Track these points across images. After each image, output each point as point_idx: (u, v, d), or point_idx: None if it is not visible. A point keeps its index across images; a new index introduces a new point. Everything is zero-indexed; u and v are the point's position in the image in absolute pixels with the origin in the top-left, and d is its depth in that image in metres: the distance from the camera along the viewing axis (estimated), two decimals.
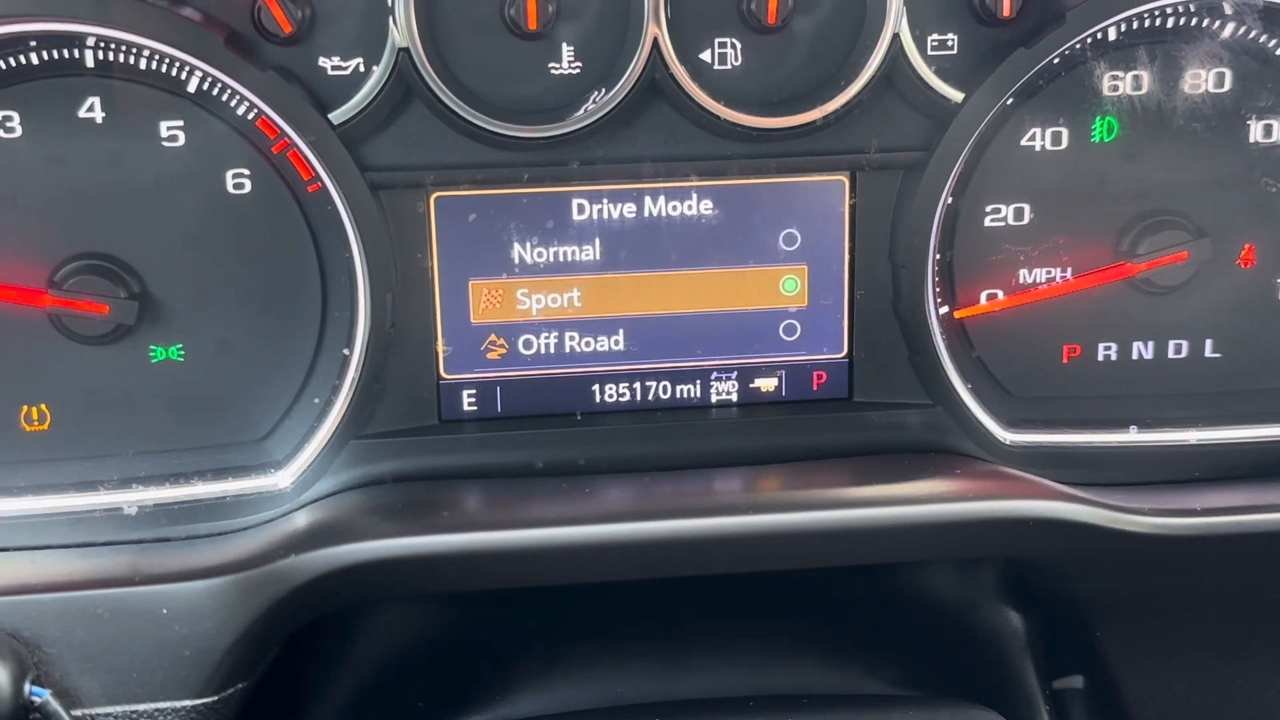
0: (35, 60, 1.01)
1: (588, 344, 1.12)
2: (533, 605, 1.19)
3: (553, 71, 1.04)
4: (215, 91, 1.02)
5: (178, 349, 1.07)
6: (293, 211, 1.05)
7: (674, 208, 1.10)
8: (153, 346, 1.06)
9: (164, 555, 1.01)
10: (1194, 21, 1.09)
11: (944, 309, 1.13)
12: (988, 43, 1.06)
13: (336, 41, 1.02)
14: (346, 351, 1.07)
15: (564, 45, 1.04)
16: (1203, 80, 1.10)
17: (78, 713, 0.95)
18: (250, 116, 1.03)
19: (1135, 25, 1.08)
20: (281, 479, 1.08)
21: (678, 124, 1.07)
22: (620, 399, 1.13)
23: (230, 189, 1.05)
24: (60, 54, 1.01)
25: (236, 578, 0.97)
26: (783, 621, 1.21)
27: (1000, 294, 1.13)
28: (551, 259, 1.10)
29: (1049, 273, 1.13)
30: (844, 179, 1.10)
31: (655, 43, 1.03)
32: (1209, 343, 1.16)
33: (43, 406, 1.07)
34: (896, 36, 1.04)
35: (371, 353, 1.07)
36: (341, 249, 1.06)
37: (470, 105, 1.03)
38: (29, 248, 1.03)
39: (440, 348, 1.10)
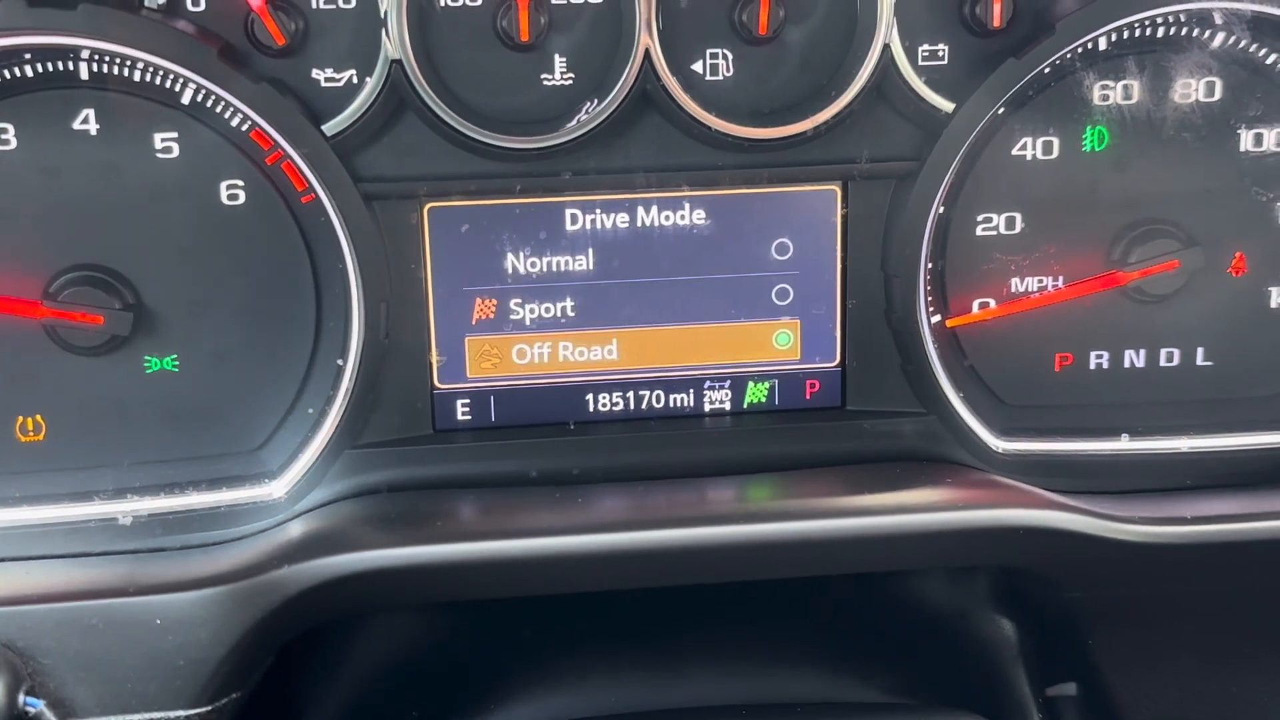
0: (30, 72, 1.01)
1: (581, 353, 1.12)
2: (527, 614, 1.19)
3: (545, 83, 1.05)
4: (209, 103, 1.03)
5: (172, 359, 1.07)
6: (287, 222, 1.06)
7: (666, 218, 1.10)
8: (147, 357, 1.07)
9: (158, 566, 1.01)
10: (1184, 31, 1.09)
11: (936, 318, 1.13)
12: (978, 53, 1.07)
13: (330, 53, 1.03)
14: (341, 362, 1.08)
15: (556, 56, 1.04)
16: (1193, 90, 1.10)
17: None
18: (244, 128, 1.04)
19: (1125, 35, 1.08)
20: (276, 489, 1.08)
21: (670, 135, 1.07)
22: (614, 408, 1.13)
23: (224, 200, 1.05)
24: (55, 66, 1.01)
25: (230, 588, 0.97)
26: (776, 630, 1.22)
27: (992, 303, 1.14)
28: (545, 269, 1.10)
29: (1041, 281, 1.14)
30: (836, 189, 1.11)
31: (647, 54, 1.03)
32: (1200, 351, 1.16)
33: (38, 417, 1.07)
34: (887, 47, 1.05)
35: (365, 363, 1.07)
36: (335, 260, 1.06)
37: (463, 116, 1.03)
38: (24, 259, 1.04)
39: (434, 358, 1.10)
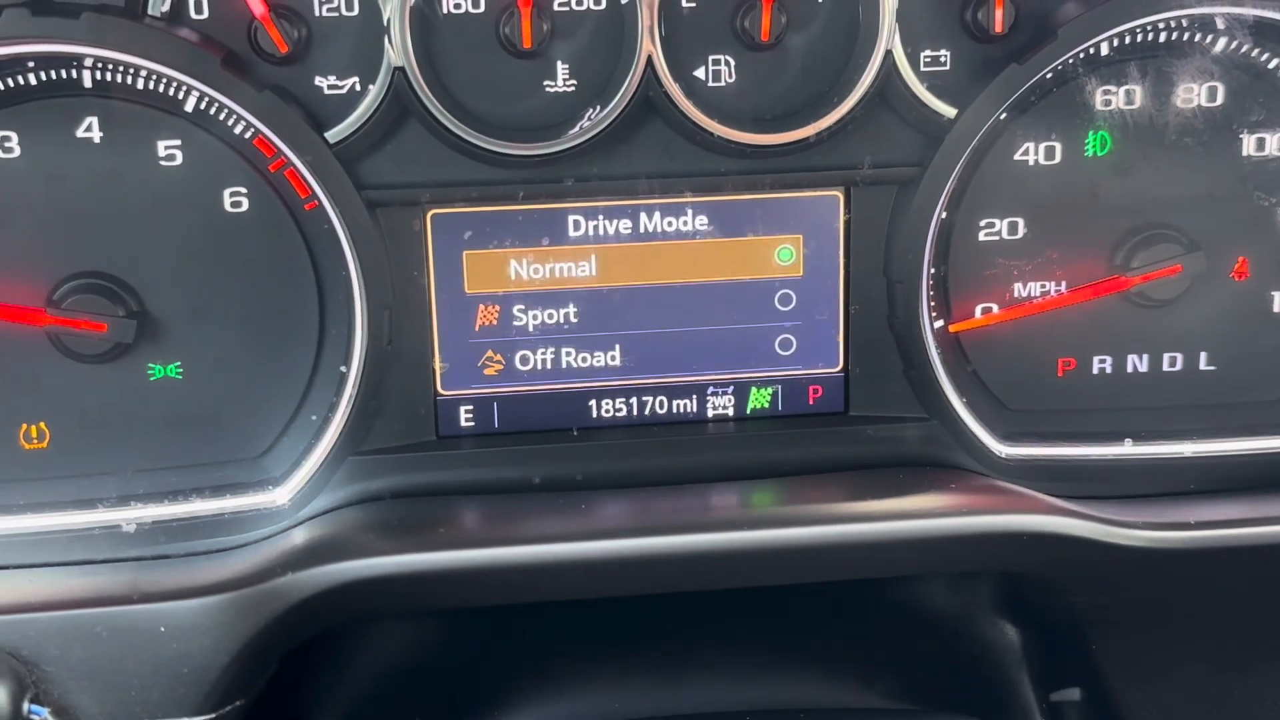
0: (34, 81, 1.01)
1: (584, 359, 1.12)
2: (531, 620, 1.19)
3: (548, 89, 1.05)
4: (212, 111, 1.03)
5: (176, 367, 1.07)
6: (290, 230, 1.06)
7: (669, 223, 1.10)
8: (151, 364, 1.07)
9: (162, 573, 1.01)
10: (1186, 36, 1.09)
11: (939, 323, 1.13)
12: (980, 58, 1.07)
13: (333, 61, 1.03)
14: (344, 368, 1.08)
15: (559, 63, 1.04)
16: (1195, 95, 1.11)
17: None
18: (247, 135, 1.04)
19: (1127, 40, 1.08)
20: (279, 496, 1.08)
21: (672, 141, 1.07)
22: (617, 414, 1.14)
23: (227, 207, 1.05)
24: (58, 74, 1.01)
25: (234, 595, 0.97)
26: (780, 635, 1.22)
27: (995, 308, 1.14)
28: (547, 275, 1.10)
29: (1043, 286, 1.14)
30: (838, 194, 1.11)
31: (649, 60, 1.04)
32: (1203, 355, 1.16)
33: (41, 424, 1.07)
34: (889, 53, 1.05)
35: (369, 370, 1.07)
36: (338, 266, 1.06)
37: (466, 123, 1.03)
38: (28, 267, 1.04)
39: (437, 364, 1.11)
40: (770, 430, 1.14)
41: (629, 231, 1.10)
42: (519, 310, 1.11)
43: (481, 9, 1.03)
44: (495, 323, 1.11)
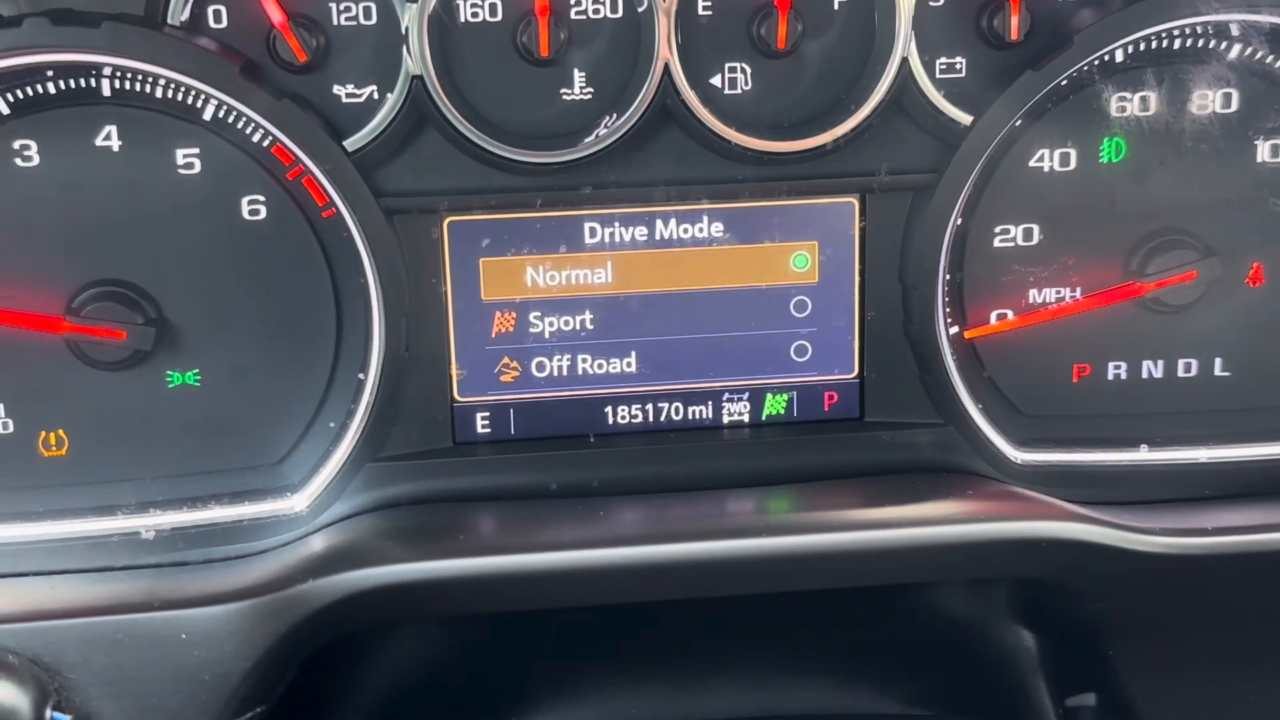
0: (53, 89, 1.02)
1: (600, 366, 1.13)
2: (548, 625, 1.19)
3: (564, 97, 1.05)
4: (231, 119, 1.03)
5: (194, 374, 1.08)
6: (308, 237, 1.06)
7: (685, 230, 1.11)
8: (169, 372, 1.07)
9: (182, 580, 1.02)
10: (1201, 43, 1.10)
11: (954, 329, 1.13)
12: (996, 66, 1.07)
13: (351, 69, 1.03)
14: (361, 376, 1.08)
15: (576, 71, 1.05)
16: (1210, 101, 1.11)
17: None
18: (265, 144, 1.04)
19: (1143, 47, 1.09)
20: (297, 502, 1.08)
21: (689, 148, 1.07)
22: (633, 420, 1.14)
23: (246, 215, 1.05)
24: (77, 83, 1.02)
25: (254, 603, 0.98)
26: (797, 641, 1.22)
27: (1010, 314, 1.14)
28: (564, 282, 1.11)
29: (1058, 292, 1.14)
30: (854, 201, 1.11)
31: (666, 68, 1.04)
32: (1218, 361, 1.16)
33: (60, 432, 1.07)
34: (905, 60, 1.05)
35: (386, 377, 1.07)
36: (356, 274, 1.07)
37: (483, 131, 1.04)
38: (47, 275, 1.04)
39: (454, 371, 1.11)
40: (786, 436, 1.14)
41: (645, 238, 1.10)
42: (535, 317, 1.11)
43: (499, 18, 1.03)
44: (512, 329, 1.11)
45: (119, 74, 1.01)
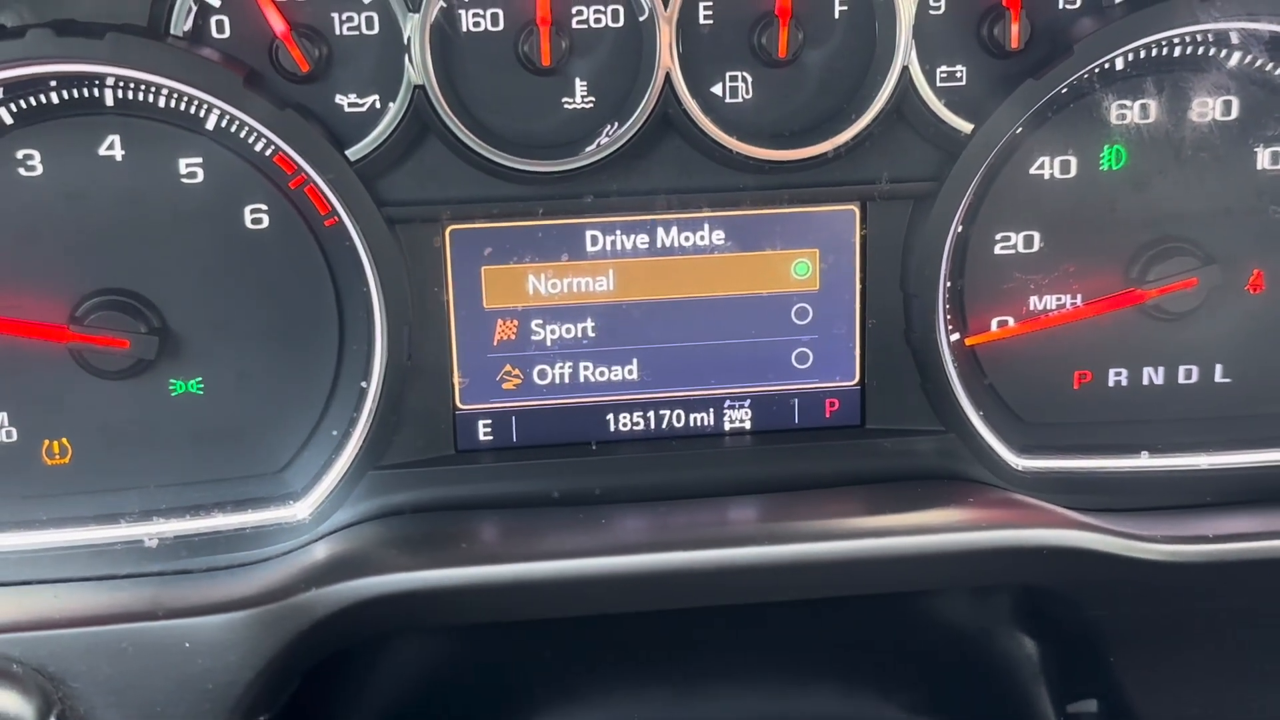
0: (56, 100, 1.02)
1: (602, 374, 1.13)
2: (551, 633, 1.20)
3: (566, 106, 1.06)
4: (233, 129, 1.04)
5: (197, 382, 1.08)
6: (310, 246, 1.07)
7: (686, 239, 1.11)
8: (173, 380, 1.08)
9: (185, 588, 1.02)
10: (1201, 51, 1.10)
11: (955, 336, 1.14)
12: (996, 74, 1.08)
13: (353, 79, 1.04)
14: (364, 384, 1.08)
15: (577, 80, 1.05)
16: (1210, 109, 1.11)
17: None
18: (268, 153, 1.04)
19: (1143, 55, 1.09)
20: (300, 510, 1.09)
21: (690, 157, 1.08)
22: (635, 428, 1.14)
23: (248, 224, 1.06)
24: (81, 93, 1.02)
25: (258, 611, 0.98)
26: (799, 647, 1.22)
27: (1011, 321, 1.14)
28: (566, 290, 1.11)
29: (1059, 299, 1.14)
30: (855, 209, 1.11)
31: (668, 77, 1.04)
32: (1219, 368, 1.17)
33: (64, 440, 1.08)
34: (906, 69, 1.06)
35: (388, 385, 1.08)
36: (358, 283, 1.07)
37: (485, 140, 1.04)
38: (51, 284, 1.05)
39: (456, 379, 1.11)
40: (787, 443, 1.14)
41: (646, 247, 1.11)
42: (537, 325, 1.11)
43: (501, 27, 1.03)
44: (514, 337, 1.11)
45: (122, 84, 1.02)
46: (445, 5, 1.02)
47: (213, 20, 1.02)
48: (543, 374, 1.12)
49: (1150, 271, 1.13)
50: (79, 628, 0.97)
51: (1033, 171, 1.11)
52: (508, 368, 1.12)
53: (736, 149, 1.06)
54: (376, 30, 1.03)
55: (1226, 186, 1.12)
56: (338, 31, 1.03)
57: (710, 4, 1.05)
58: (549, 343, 1.12)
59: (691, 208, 1.10)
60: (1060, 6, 1.08)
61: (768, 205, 1.10)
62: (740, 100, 1.07)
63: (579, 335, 1.12)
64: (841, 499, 1.11)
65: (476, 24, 1.03)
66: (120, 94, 1.02)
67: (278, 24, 1.01)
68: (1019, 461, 1.14)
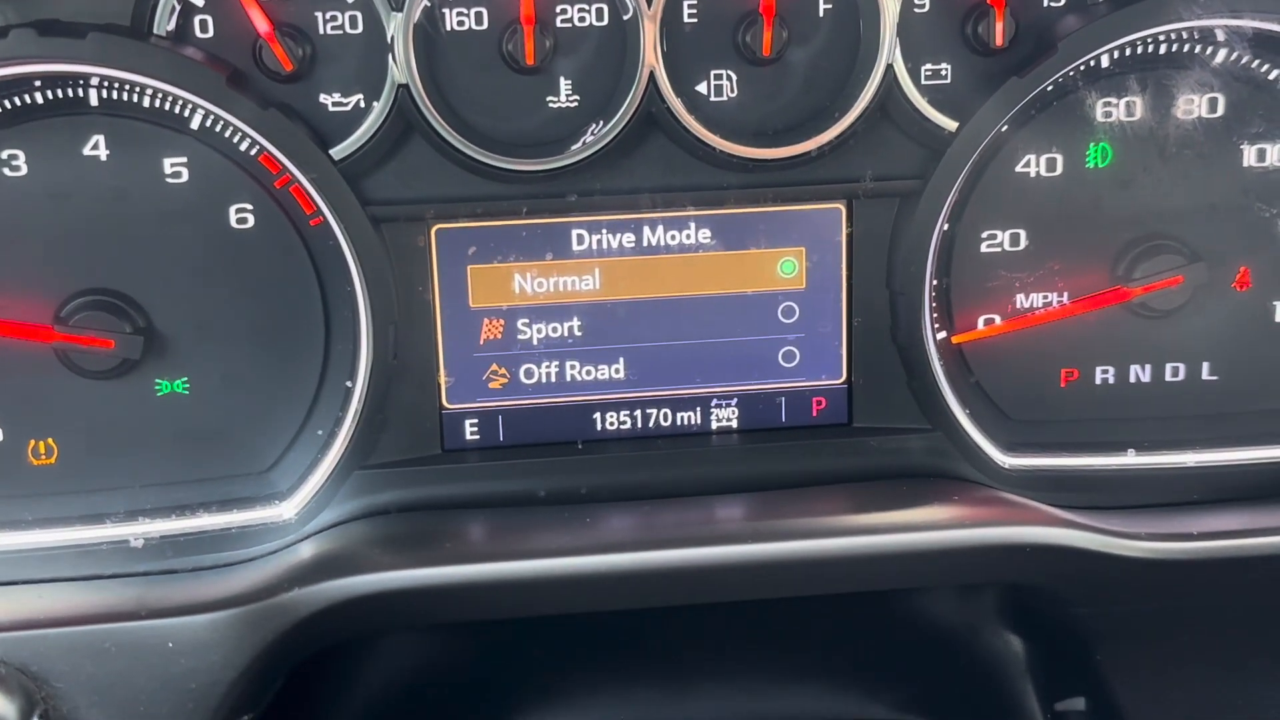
0: (40, 99, 1.02)
1: (588, 372, 1.13)
2: (538, 633, 1.20)
3: (550, 105, 1.06)
4: (218, 128, 1.04)
5: (183, 382, 1.08)
6: (295, 245, 1.07)
7: (672, 237, 1.11)
8: (158, 380, 1.08)
9: (169, 588, 1.02)
10: (1186, 48, 1.10)
11: (941, 334, 1.14)
12: (981, 72, 1.08)
13: (337, 78, 1.04)
14: (349, 383, 1.08)
15: (561, 79, 1.05)
16: (1196, 106, 1.11)
17: None
18: (253, 152, 1.04)
19: (1127, 53, 1.09)
20: (286, 510, 1.09)
21: (675, 155, 1.08)
22: (621, 427, 1.14)
23: (233, 224, 1.06)
24: (65, 93, 1.02)
25: (241, 611, 0.98)
26: (787, 646, 1.22)
27: (997, 319, 1.14)
28: (552, 289, 1.11)
29: (1045, 297, 1.14)
30: (840, 207, 1.11)
31: (652, 76, 1.04)
32: (1206, 365, 1.17)
33: (49, 440, 1.08)
34: (890, 67, 1.06)
35: (374, 384, 1.08)
36: (344, 282, 1.07)
37: (469, 140, 1.04)
38: (35, 284, 1.05)
39: (442, 378, 1.11)
40: (774, 442, 1.14)
41: (632, 245, 1.11)
42: (523, 324, 1.11)
43: (485, 26, 1.03)
44: (500, 336, 1.11)
45: (107, 84, 1.02)
46: (429, 4, 1.02)
47: (196, 20, 1.02)
48: (529, 373, 1.13)
49: (1136, 269, 1.13)
50: (62, 627, 0.97)
51: (1018, 169, 1.11)
52: (494, 367, 1.12)
53: (721, 147, 1.06)
54: (360, 29, 1.03)
55: (1212, 184, 1.12)
56: (321, 31, 1.03)
57: (694, 2, 1.05)
58: (535, 342, 1.12)
59: (676, 206, 1.10)
60: (1045, 4, 1.08)
61: (753, 204, 1.10)
62: (725, 98, 1.07)
63: (565, 334, 1.12)
64: (829, 497, 1.11)
65: (460, 23, 1.03)
66: (105, 94, 1.02)
67: (261, 23, 1.01)
68: (1006, 459, 1.14)
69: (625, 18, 1.04)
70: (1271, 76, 1.11)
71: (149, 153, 1.04)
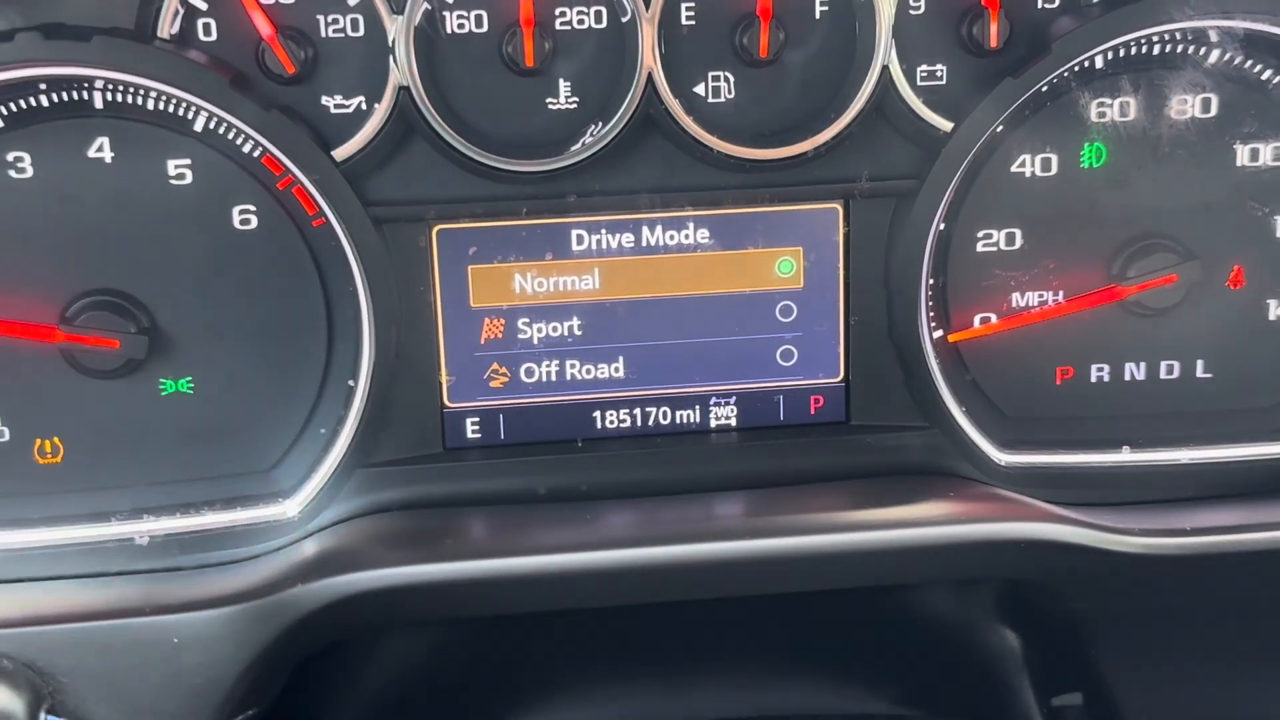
0: (45, 102, 1.03)
1: (588, 371, 1.14)
2: (540, 628, 1.21)
3: (550, 107, 1.07)
4: (221, 130, 1.05)
5: (187, 381, 1.09)
6: (298, 246, 1.08)
7: (671, 237, 1.12)
8: (162, 379, 1.09)
9: (175, 585, 1.03)
10: (1180, 49, 1.11)
11: (938, 333, 1.15)
12: (976, 73, 1.08)
13: (339, 81, 1.05)
14: (352, 382, 1.10)
15: (561, 81, 1.06)
16: (1189, 106, 1.12)
17: None
18: (255, 154, 1.06)
19: (1121, 54, 1.10)
20: (289, 508, 1.10)
21: (673, 156, 1.09)
22: (621, 425, 1.15)
23: (237, 225, 1.07)
24: (70, 96, 1.03)
25: (246, 607, 0.99)
26: (784, 641, 1.23)
27: (993, 317, 1.15)
28: (552, 289, 1.12)
29: (1041, 296, 1.15)
30: (838, 207, 1.12)
31: (650, 77, 1.05)
32: (1200, 363, 1.18)
33: (55, 439, 1.09)
34: (886, 69, 1.07)
35: (376, 383, 1.09)
36: (346, 282, 1.08)
37: (470, 141, 1.05)
38: (41, 284, 1.06)
39: (444, 377, 1.12)
40: (772, 440, 1.15)
41: (631, 245, 1.12)
42: (524, 323, 1.12)
43: (485, 29, 1.04)
44: (500, 336, 1.12)
45: (111, 86, 1.03)
46: (429, 7, 1.03)
47: (199, 23, 1.03)
48: (530, 372, 1.14)
49: (1131, 268, 1.14)
50: (69, 624, 0.98)
51: (1014, 169, 1.12)
52: (495, 366, 1.13)
53: (718, 148, 1.07)
54: (362, 32, 1.04)
55: (1206, 183, 1.13)
56: (323, 34, 1.04)
57: (692, 5, 1.06)
58: (536, 341, 1.13)
59: (675, 206, 1.11)
60: (1039, 6, 1.08)
61: (751, 204, 1.11)
62: (722, 100, 1.08)
63: (565, 333, 1.13)
64: (826, 494, 1.12)
65: (461, 26, 1.04)
66: (109, 96, 1.03)
67: (264, 27, 1.02)
68: (1002, 456, 1.15)
69: (624, 20, 1.05)
70: (1264, 77, 1.12)
71: (153, 155, 1.05)
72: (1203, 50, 1.11)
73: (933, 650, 1.25)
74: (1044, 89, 1.09)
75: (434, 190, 1.08)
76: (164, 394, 1.09)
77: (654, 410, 1.15)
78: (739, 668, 1.22)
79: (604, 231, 1.11)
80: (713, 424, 1.16)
